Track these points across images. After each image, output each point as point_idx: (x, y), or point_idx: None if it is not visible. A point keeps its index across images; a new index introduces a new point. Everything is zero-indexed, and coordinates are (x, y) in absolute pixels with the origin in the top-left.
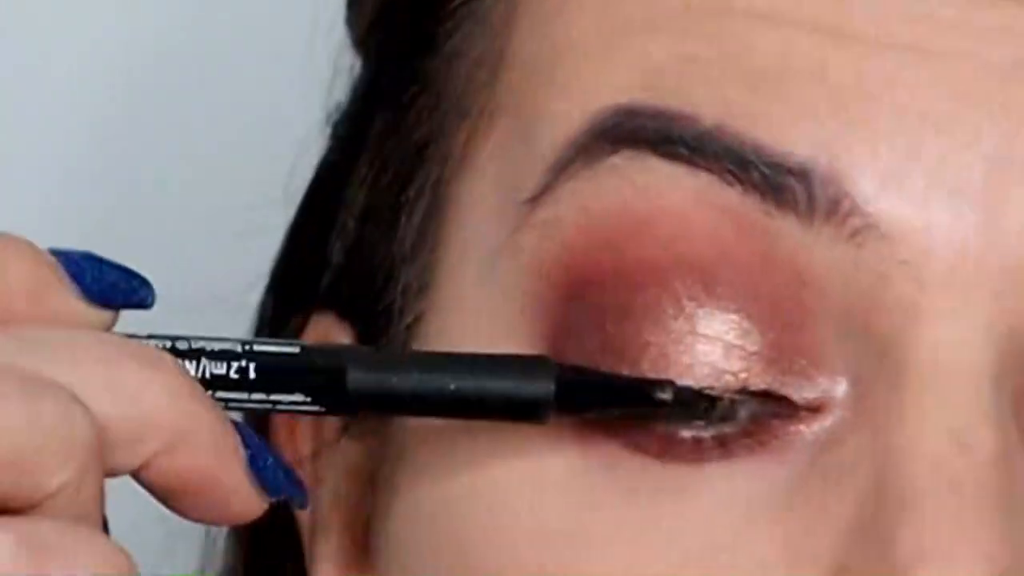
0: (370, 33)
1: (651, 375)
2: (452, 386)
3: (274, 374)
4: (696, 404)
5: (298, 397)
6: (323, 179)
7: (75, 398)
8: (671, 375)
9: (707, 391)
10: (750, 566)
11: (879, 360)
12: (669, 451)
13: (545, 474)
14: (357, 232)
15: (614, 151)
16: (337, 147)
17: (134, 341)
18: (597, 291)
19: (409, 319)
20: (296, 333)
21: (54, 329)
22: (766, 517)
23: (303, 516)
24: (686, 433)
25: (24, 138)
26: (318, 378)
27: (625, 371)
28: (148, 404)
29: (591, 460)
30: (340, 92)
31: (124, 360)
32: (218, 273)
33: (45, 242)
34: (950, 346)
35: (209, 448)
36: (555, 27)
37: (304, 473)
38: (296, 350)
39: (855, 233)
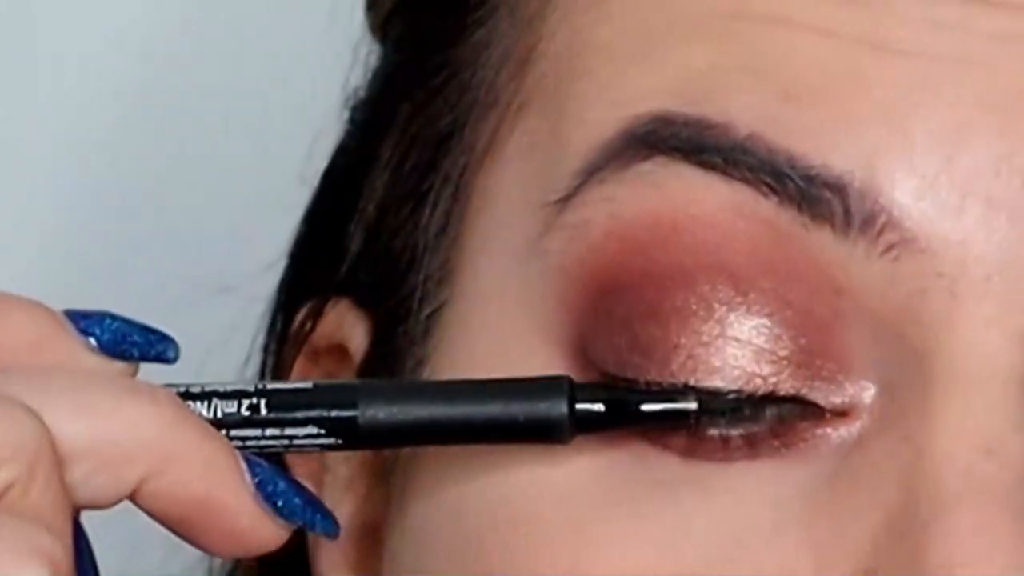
0: (392, 18)
1: (681, 376)
2: (465, 415)
3: (286, 410)
4: (721, 409)
5: (312, 430)
6: (342, 164)
7: (27, 409)
8: (700, 376)
9: (732, 394)
10: (776, 567)
11: (910, 367)
12: (696, 449)
13: (570, 470)
14: (378, 218)
15: (646, 157)
16: (356, 133)
17: (122, 378)
18: (626, 293)
19: (429, 308)
20: (312, 318)
21: (41, 366)
22: (793, 519)
23: None
24: (713, 431)
25: (43, 121)
26: (331, 414)
27: (653, 372)
28: (127, 427)
29: (617, 456)
30: (358, 77)
31: (100, 387)
32: (231, 260)
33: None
34: (982, 355)
35: (203, 470)
36: (586, 26)
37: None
38: (309, 385)
39: (891, 247)
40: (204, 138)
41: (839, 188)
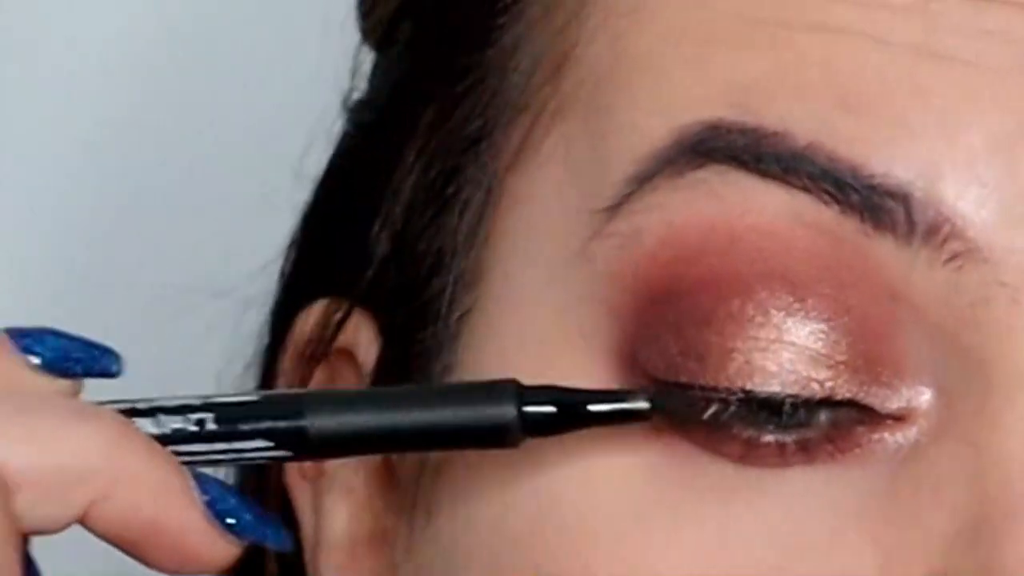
0: (400, 21)
1: (736, 382)
2: (414, 421)
3: (234, 423)
4: (682, 409)
5: (261, 443)
6: (350, 167)
7: None
8: (755, 382)
9: (789, 399)
10: (839, 573)
11: (969, 373)
12: (750, 454)
13: (622, 474)
14: (404, 223)
15: (700, 166)
16: (366, 136)
17: (66, 400)
18: (679, 300)
19: (457, 313)
20: (336, 324)
21: None
22: (852, 524)
23: (303, 509)
24: (769, 437)
25: (36, 119)
26: (279, 425)
27: (707, 377)
28: (72, 451)
29: (669, 462)
30: (357, 77)
31: (43, 411)
32: (225, 261)
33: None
34: None
35: (151, 491)
36: (626, 31)
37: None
38: (256, 397)
39: (955, 256)
40: (194, 142)
41: (902, 197)
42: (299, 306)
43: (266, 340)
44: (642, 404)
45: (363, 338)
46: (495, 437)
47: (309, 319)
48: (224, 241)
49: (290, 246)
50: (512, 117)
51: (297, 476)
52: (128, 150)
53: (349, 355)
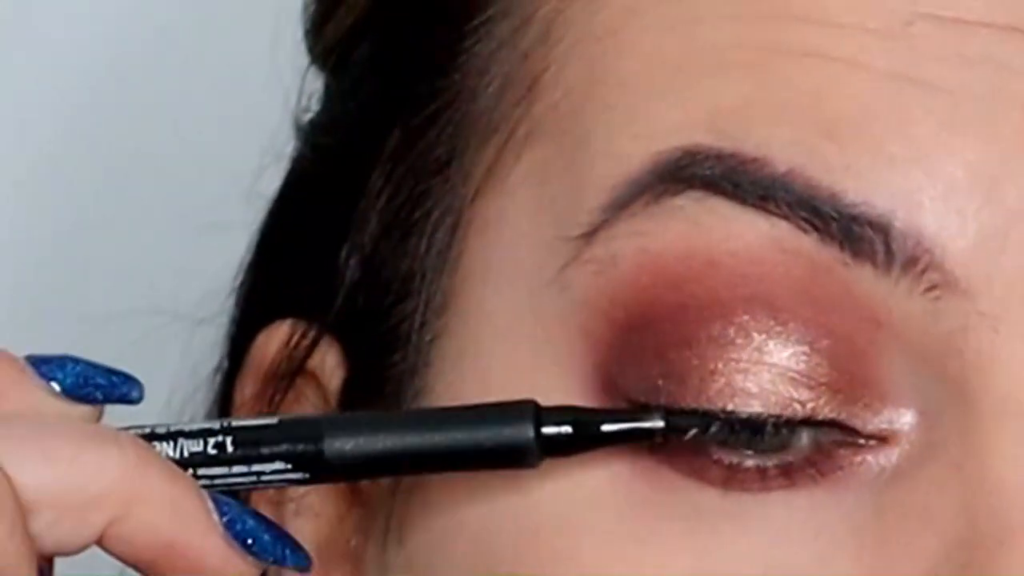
0: (356, 42)
1: (718, 402)
2: (432, 443)
3: (253, 447)
4: (691, 427)
5: (279, 465)
6: (306, 190)
7: None
8: (736, 403)
9: (771, 419)
10: None
11: (952, 396)
12: (732, 479)
13: (602, 500)
14: (372, 247)
15: (678, 192)
16: (325, 158)
17: (84, 423)
18: (659, 324)
19: (428, 337)
20: (307, 348)
21: (1, 415)
22: (838, 549)
23: None
24: (750, 462)
25: None
26: (298, 448)
27: (688, 399)
28: (90, 472)
29: (650, 488)
30: (304, 97)
31: (61, 433)
32: (175, 282)
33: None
34: None
35: (170, 512)
36: (602, 56)
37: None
38: (274, 421)
39: (933, 287)
40: (142, 162)
41: (882, 227)
42: (257, 327)
43: (216, 360)
44: (657, 423)
45: (328, 361)
46: (513, 458)
47: (271, 341)
48: (175, 262)
49: (247, 268)
50: (481, 141)
51: (259, 501)
52: (74, 170)
53: (313, 377)
